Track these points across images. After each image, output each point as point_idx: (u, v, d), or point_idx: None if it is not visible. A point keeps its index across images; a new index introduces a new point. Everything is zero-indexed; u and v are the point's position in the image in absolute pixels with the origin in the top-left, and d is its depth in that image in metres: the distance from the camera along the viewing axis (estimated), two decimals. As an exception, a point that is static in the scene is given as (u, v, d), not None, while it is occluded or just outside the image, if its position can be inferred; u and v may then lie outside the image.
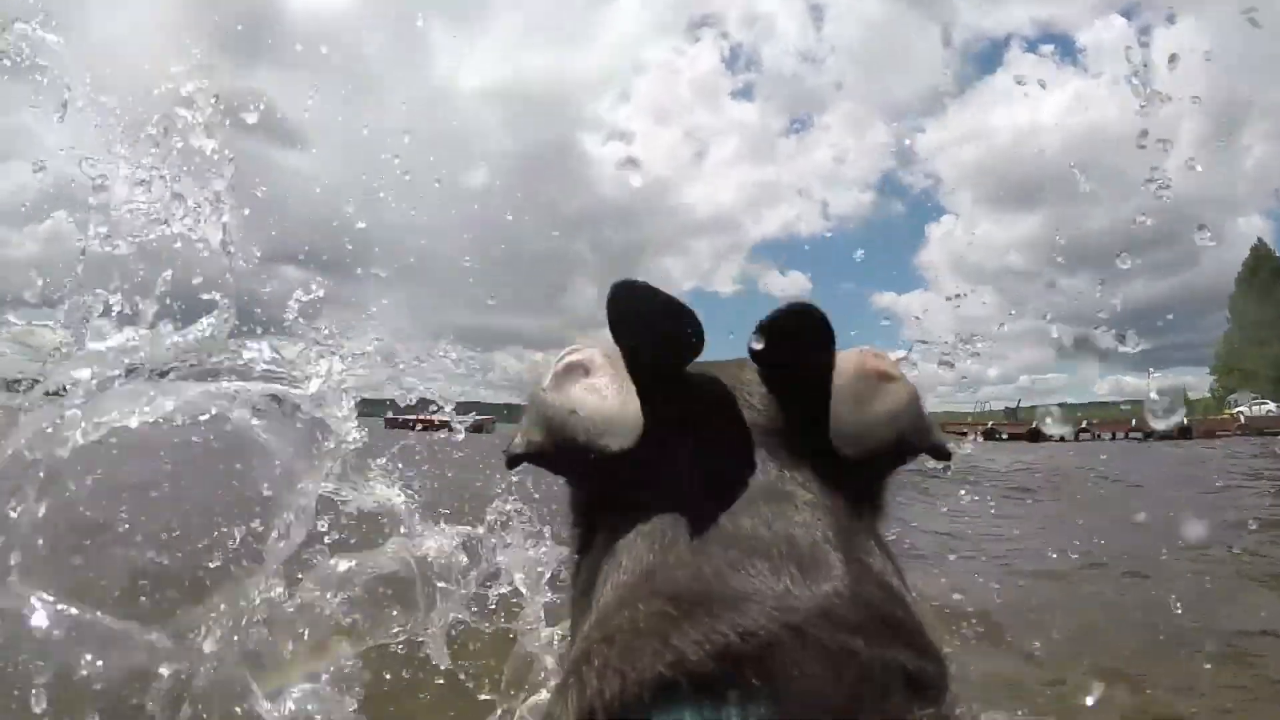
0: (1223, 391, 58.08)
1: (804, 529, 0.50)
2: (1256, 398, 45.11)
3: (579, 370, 0.61)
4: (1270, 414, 39.89)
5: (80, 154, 1.78)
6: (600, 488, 0.62)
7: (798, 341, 0.57)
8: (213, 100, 1.86)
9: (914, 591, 0.54)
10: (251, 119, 2.05)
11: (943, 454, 0.63)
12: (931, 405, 0.64)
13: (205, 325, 1.72)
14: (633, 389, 0.58)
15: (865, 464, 0.57)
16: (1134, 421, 43.24)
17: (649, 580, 0.49)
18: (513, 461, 0.64)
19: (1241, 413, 41.20)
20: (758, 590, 0.44)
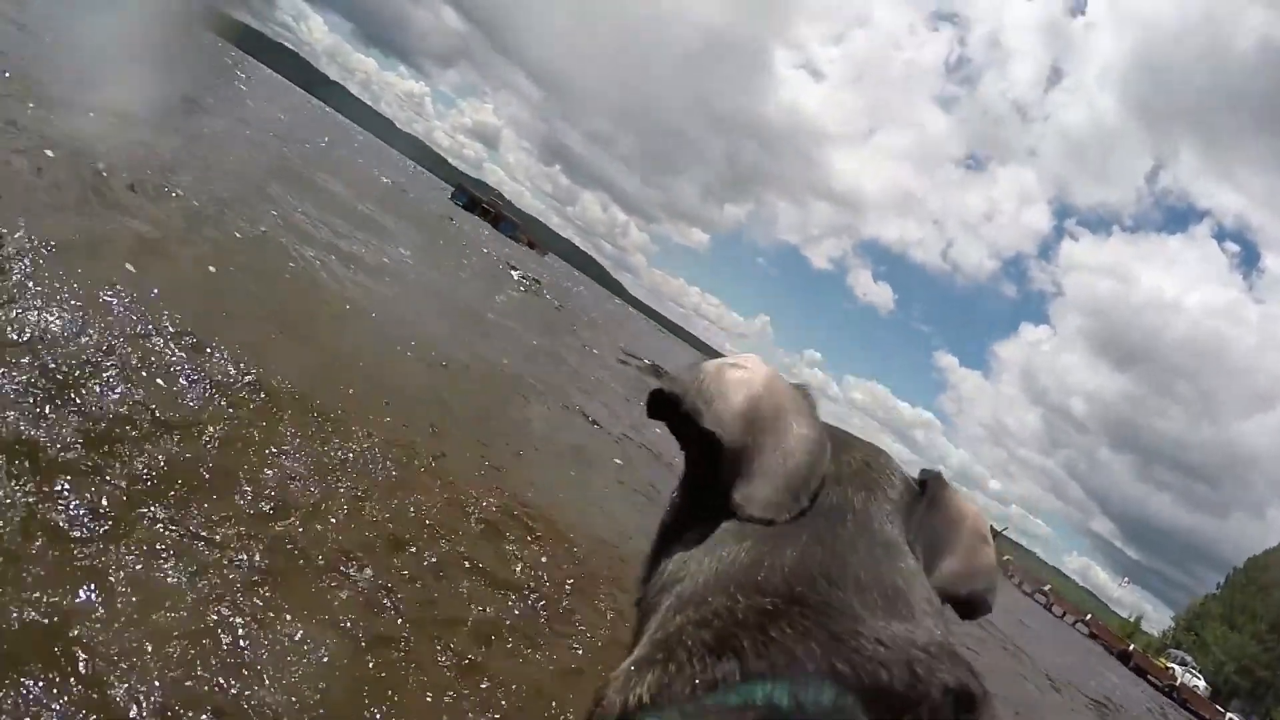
0: (1172, 642, 58.65)
1: (901, 576, 0.55)
2: (1194, 668, 44.46)
3: (738, 366, 0.68)
4: (1197, 690, 39.31)
5: None
6: (718, 469, 0.63)
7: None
8: None
9: None
10: None
11: (982, 614, 0.69)
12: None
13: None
14: (765, 390, 0.65)
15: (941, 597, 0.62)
16: (1089, 615, 46.30)
17: (754, 571, 0.52)
18: (652, 402, 0.67)
19: (1174, 670, 40.58)
20: (848, 604, 0.49)
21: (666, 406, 0.66)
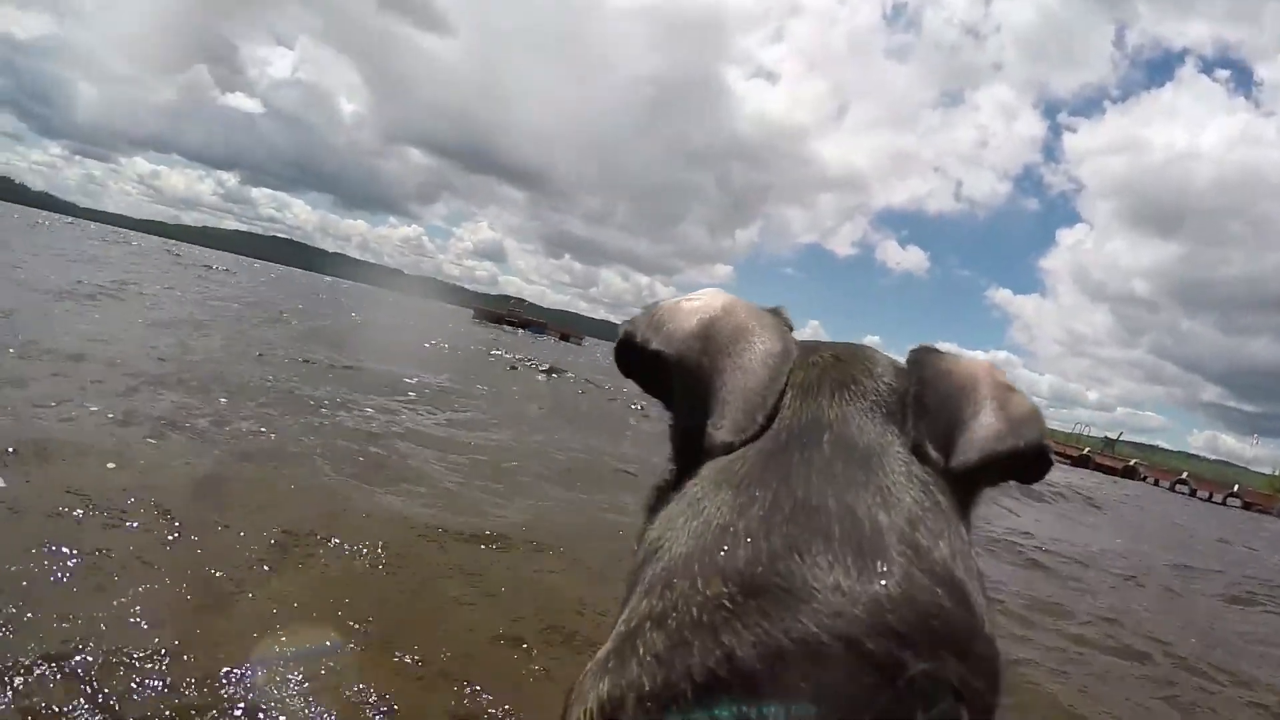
0: (1324, 479, 54.44)
1: (883, 497, 0.49)
2: (1355, 496, 41.56)
3: (694, 298, 0.66)
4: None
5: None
6: (686, 402, 0.61)
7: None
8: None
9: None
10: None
11: (1047, 469, 0.62)
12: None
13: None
14: (723, 313, 0.63)
15: (976, 470, 0.56)
16: (1236, 486, 44.17)
17: (720, 542, 0.48)
18: (618, 357, 0.66)
19: (1340, 505, 37.92)
20: (811, 584, 0.44)
21: (629, 352, 0.64)
